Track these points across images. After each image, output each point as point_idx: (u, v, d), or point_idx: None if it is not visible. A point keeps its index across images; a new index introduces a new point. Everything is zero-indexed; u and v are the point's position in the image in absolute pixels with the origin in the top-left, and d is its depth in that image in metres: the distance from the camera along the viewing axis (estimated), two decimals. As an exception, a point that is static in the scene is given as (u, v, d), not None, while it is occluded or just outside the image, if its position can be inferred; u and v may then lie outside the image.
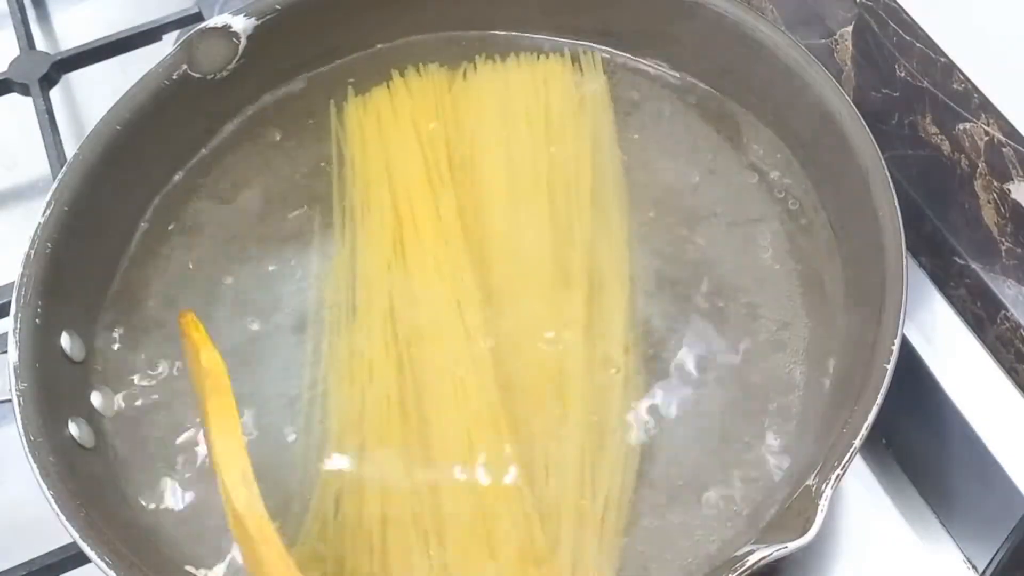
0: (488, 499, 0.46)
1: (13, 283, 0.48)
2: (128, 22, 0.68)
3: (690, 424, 0.47)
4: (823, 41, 0.54)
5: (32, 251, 0.48)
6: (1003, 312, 0.47)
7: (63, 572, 0.51)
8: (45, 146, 0.62)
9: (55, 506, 0.42)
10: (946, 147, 0.48)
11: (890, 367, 0.43)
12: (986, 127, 0.45)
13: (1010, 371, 0.47)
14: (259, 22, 0.55)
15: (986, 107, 0.45)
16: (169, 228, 0.54)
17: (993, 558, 0.48)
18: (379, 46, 0.59)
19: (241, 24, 0.55)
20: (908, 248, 0.46)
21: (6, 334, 0.47)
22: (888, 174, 0.47)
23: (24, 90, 0.66)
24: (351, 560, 0.45)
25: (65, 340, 0.48)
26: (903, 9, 0.48)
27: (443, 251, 0.52)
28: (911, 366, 0.48)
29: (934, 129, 0.48)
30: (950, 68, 0.46)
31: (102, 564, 0.41)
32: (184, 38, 0.54)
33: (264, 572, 0.39)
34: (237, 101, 0.57)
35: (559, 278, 0.51)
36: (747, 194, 0.53)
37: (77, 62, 0.68)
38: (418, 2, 0.58)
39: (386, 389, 0.48)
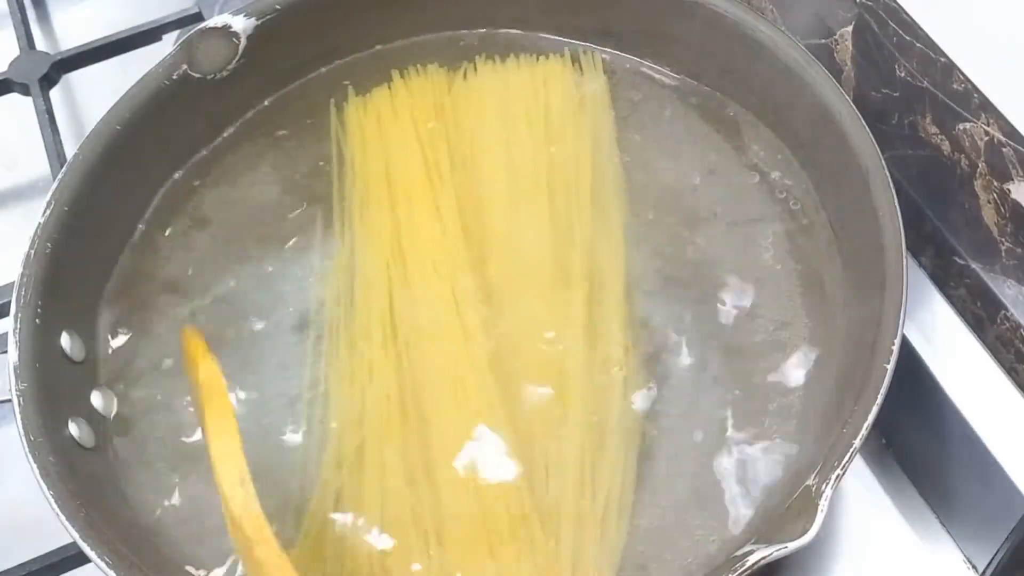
0: (488, 499, 0.46)
1: (13, 283, 0.48)
2: (128, 22, 0.68)
3: (690, 424, 0.47)
4: (823, 41, 0.54)
5: (32, 251, 0.48)
6: (1003, 312, 0.47)
7: (63, 572, 0.51)
8: (45, 146, 0.62)
9: (55, 506, 0.42)
10: (946, 147, 0.48)
11: (890, 367, 0.43)
12: (986, 127, 0.45)
13: (1010, 371, 0.47)
14: (259, 22, 0.55)
15: (986, 107, 0.45)
16: (169, 228, 0.54)
17: (993, 558, 0.48)
18: (379, 47, 0.59)
19: (241, 24, 0.55)
20: (908, 248, 0.46)
21: (6, 334, 0.47)
22: (888, 174, 0.47)
23: (24, 90, 0.66)
24: (351, 560, 0.45)
25: (65, 340, 0.48)
26: (903, 9, 0.48)
27: (443, 251, 0.52)
28: (911, 366, 0.48)
29: (934, 129, 0.48)
30: (950, 68, 0.46)
31: (102, 564, 0.41)
32: (184, 38, 0.54)
33: (262, 573, 0.39)
34: (237, 101, 0.57)
35: (559, 278, 0.51)
36: (747, 194, 0.53)
37: (77, 62, 0.68)
38: (418, 2, 0.58)
39: (386, 389, 0.48)
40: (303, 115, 0.58)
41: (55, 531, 0.43)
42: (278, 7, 0.55)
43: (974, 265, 0.49)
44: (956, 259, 0.49)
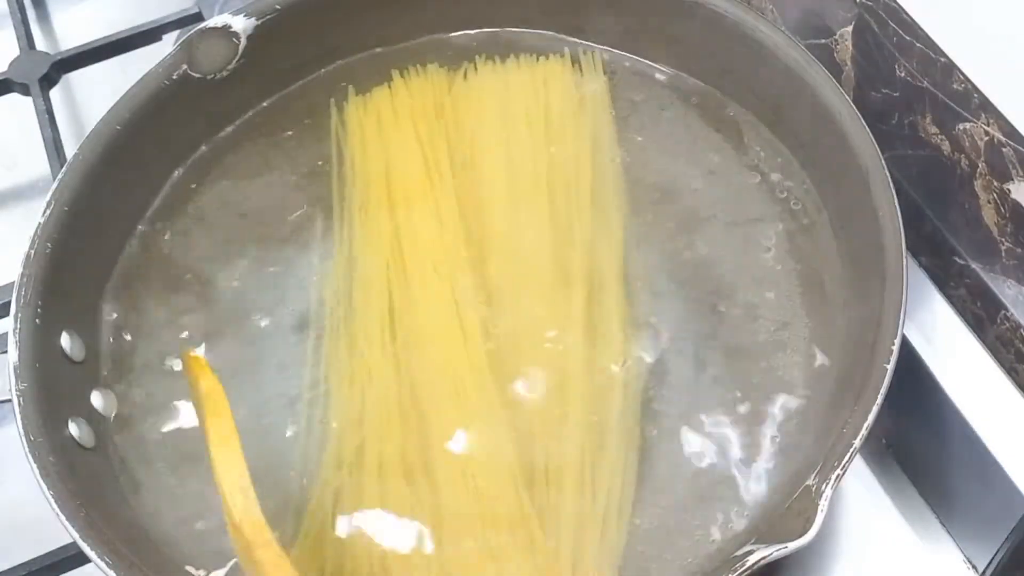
0: (488, 499, 0.46)
1: (13, 283, 0.48)
2: (128, 22, 0.69)
3: (690, 424, 0.47)
4: (823, 41, 0.54)
5: (32, 251, 0.48)
6: (1003, 312, 0.47)
7: (63, 572, 0.51)
8: (45, 146, 0.62)
9: (55, 506, 0.42)
10: (946, 147, 0.48)
11: (890, 367, 0.43)
12: (986, 127, 0.45)
13: (1010, 371, 0.47)
14: (259, 22, 0.55)
15: (986, 107, 0.45)
16: (169, 228, 0.54)
17: (993, 558, 0.48)
18: (379, 50, 0.59)
19: (241, 24, 0.55)
20: (908, 248, 0.46)
21: (6, 334, 0.47)
22: (888, 174, 0.47)
23: (24, 90, 0.66)
24: (350, 561, 0.45)
25: (65, 340, 0.48)
26: (903, 9, 0.48)
27: (443, 251, 0.52)
28: (911, 366, 0.48)
29: (934, 129, 0.48)
30: (950, 68, 0.46)
31: (102, 564, 0.41)
32: (184, 38, 0.54)
33: (263, 574, 0.40)
34: (237, 101, 0.57)
35: (559, 278, 0.51)
36: (747, 194, 0.53)
37: (77, 62, 0.68)
38: (418, 2, 0.58)
39: (386, 389, 0.48)
40: (303, 115, 0.58)
41: (55, 531, 0.43)
42: (278, 7, 0.55)
43: (974, 265, 0.49)
44: (956, 259, 0.49)
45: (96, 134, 0.52)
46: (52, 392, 0.46)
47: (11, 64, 0.67)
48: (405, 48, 0.59)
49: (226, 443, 0.42)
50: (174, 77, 0.54)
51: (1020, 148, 0.44)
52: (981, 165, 0.46)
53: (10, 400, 0.45)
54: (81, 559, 0.46)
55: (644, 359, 0.49)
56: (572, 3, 0.58)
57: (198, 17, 0.67)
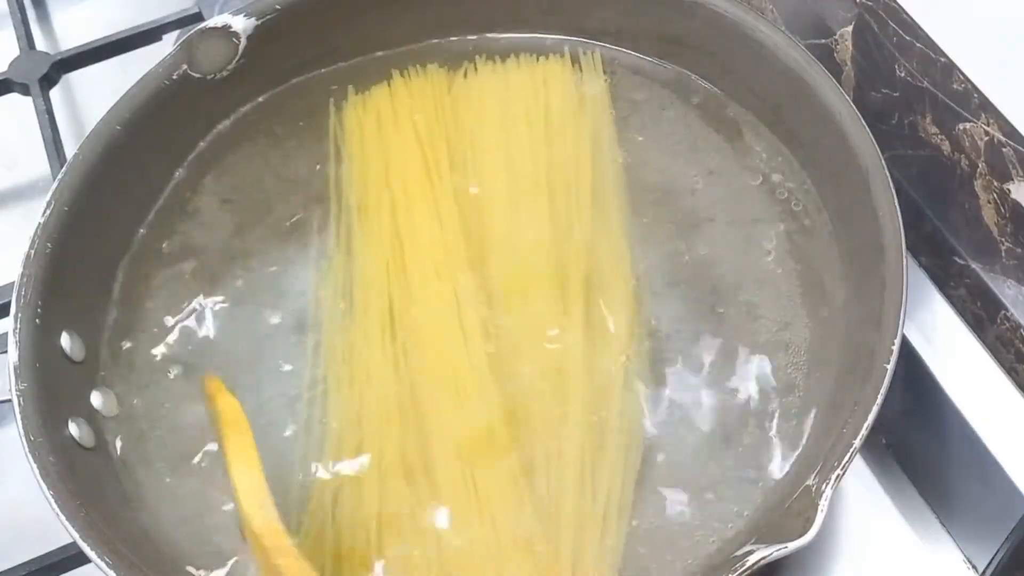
0: (487, 499, 0.46)
1: (13, 283, 0.48)
2: (128, 22, 0.69)
3: (690, 424, 0.47)
4: (823, 41, 0.54)
5: (32, 251, 0.48)
6: (1003, 312, 0.47)
7: (63, 572, 0.51)
8: (45, 146, 0.62)
9: (55, 506, 0.42)
10: (946, 147, 0.48)
11: (890, 367, 0.43)
12: (986, 127, 0.45)
13: (1010, 371, 0.47)
14: (259, 22, 0.55)
15: (986, 107, 0.45)
16: (169, 228, 0.54)
17: (993, 558, 0.48)
18: (379, 53, 0.59)
19: (241, 24, 0.55)
20: (908, 248, 0.46)
21: (6, 334, 0.47)
22: (888, 174, 0.47)
23: (24, 90, 0.66)
24: (349, 561, 0.45)
25: (65, 340, 0.48)
26: (903, 9, 0.48)
27: (443, 251, 0.52)
28: (911, 366, 0.48)
29: (934, 129, 0.48)
30: (950, 68, 0.46)
31: (102, 564, 0.41)
32: (184, 38, 0.54)
33: None
34: (237, 101, 0.57)
35: (559, 278, 0.51)
36: (747, 194, 0.53)
37: (77, 62, 0.68)
38: (418, 2, 0.58)
39: (385, 389, 0.48)
40: (303, 115, 0.58)
41: (55, 531, 0.43)
42: (278, 7, 0.55)
43: (974, 265, 0.49)
44: (956, 259, 0.49)
45: (96, 134, 0.52)
46: (52, 392, 0.46)
47: (11, 64, 0.67)
48: (406, 50, 0.59)
49: (246, 461, 0.43)
50: (174, 77, 0.54)
51: (1020, 148, 0.44)
52: (981, 165, 0.46)
53: (10, 400, 0.45)
54: (81, 559, 0.46)
55: (644, 359, 0.49)
56: (572, 3, 0.58)
57: (198, 17, 0.67)
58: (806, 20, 0.55)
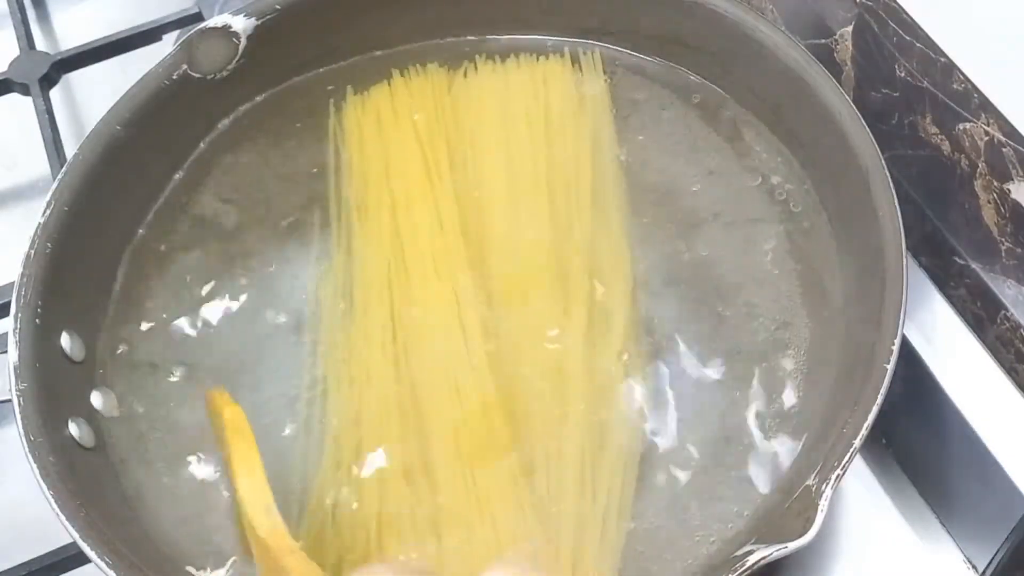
0: (488, 499, 0.46)
1: (13, 283, 0.48)
2: (128, 22, 0.69)
3: (690, 424, 0.47)
4: (823, 41, 0.54)
5: (32, 251, 0.48)
6: (1003, 312, 0.47)
7: (63, 572, 0.51)
8: (45, 146, 0.62)
9: (55, 506, 0.42)
10: (946, 147, 0.48)
11: (890, 367, 0.43)
12: (986, 127, 0.45)
13: (1010, 371, 0.47)
14: (259, 22, 0.55)
15: (986, 107, 0.45)
16: (169, 228, 0.54)
17: (993, 558, 0.48)
18: (378, 53, 0.59)
19: (241, 24, 0.55)
20: (908, 248, 0.46)
21: (6, 334, 0.47)
22: (888, 174, 0.47)
23: (24, 90, 0.66)
24: (349, 561, 0.45)
25: (65, 340, 0.48)
26: (903, 9, 0.48)
27: (443, 251, 0.52)
28: (911, 366, 0.48)
29: (934, 129, 0.48)
30: (950, 68, 0.46)
31: (102, 564, 0.41)
32: (184, 38, 0.54)
33: None
34: (237, 101, 0.57)
35: (559, 278, 0.51)
36: (747, 194, 0.53)
37: (77, 62, 0.68)
38: (418, 2, 0.58)
39: (385, 389, 0.48)
40: (303, 115, 0.58)
41: (55, 531, 0.43)
42: (278, 7, 0.56)
43: (974, 265, 0.49)
44: (956, 259, 0.49)
45: (96, 134, 0.52)
46: (52, 392, 0.46)
47: (11, 64, 0.67)
48: (405, 50, 0.59)
49: (251, 472, 0.43)
50: (174, 77, 0.54)
51: (1020, 148, 0.44)
52: (981, 165, 0.46)
53: (10, 400, 0.45)
54: (81, 559, 0.46)
55: (644, 359, 0.49)
56: (572, 3, 0.58)
57: (198, 17, 0.67)
58: (806, 20, 0.55)
